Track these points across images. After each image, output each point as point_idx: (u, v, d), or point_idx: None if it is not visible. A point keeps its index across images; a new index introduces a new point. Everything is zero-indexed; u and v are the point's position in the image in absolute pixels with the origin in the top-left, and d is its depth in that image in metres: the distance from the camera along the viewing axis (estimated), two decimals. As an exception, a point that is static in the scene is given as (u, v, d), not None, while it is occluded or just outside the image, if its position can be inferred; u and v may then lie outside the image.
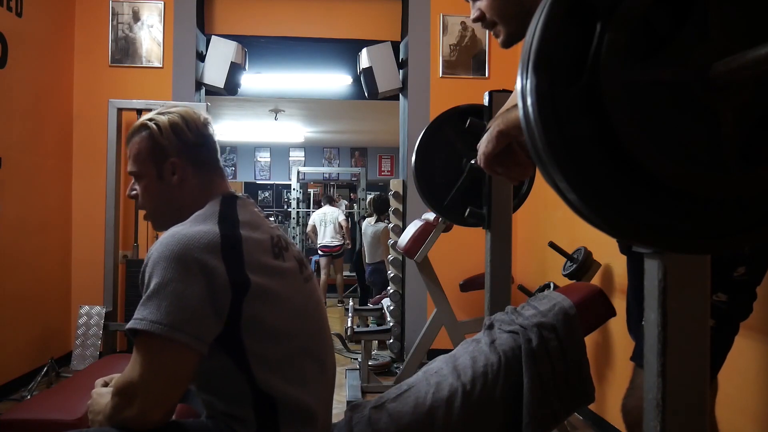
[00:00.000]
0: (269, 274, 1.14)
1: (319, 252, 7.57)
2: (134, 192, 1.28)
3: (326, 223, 7.46)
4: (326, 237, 7.43)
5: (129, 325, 1.04)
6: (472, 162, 2.00)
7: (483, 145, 1.28)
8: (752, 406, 1.83)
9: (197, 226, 1.12)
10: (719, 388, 1.43)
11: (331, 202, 8.09)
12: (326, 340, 1.28)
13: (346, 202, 10.40)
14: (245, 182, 10.68)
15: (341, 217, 7.55)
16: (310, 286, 1.26)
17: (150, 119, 1.24)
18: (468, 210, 1.88)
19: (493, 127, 1.25)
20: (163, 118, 1.23)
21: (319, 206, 8.39)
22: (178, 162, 1.22)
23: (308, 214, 9.69)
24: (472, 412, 1.16)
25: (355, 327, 3.90)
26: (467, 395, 1.16)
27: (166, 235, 1.11)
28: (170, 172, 1.22)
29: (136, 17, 4.15)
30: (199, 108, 4.04)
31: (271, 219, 6.50)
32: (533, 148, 0.70)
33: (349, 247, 7.71)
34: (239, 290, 1.09)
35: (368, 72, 4.32)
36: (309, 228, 7.75)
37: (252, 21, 4.48)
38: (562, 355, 1.17)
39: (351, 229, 8.08)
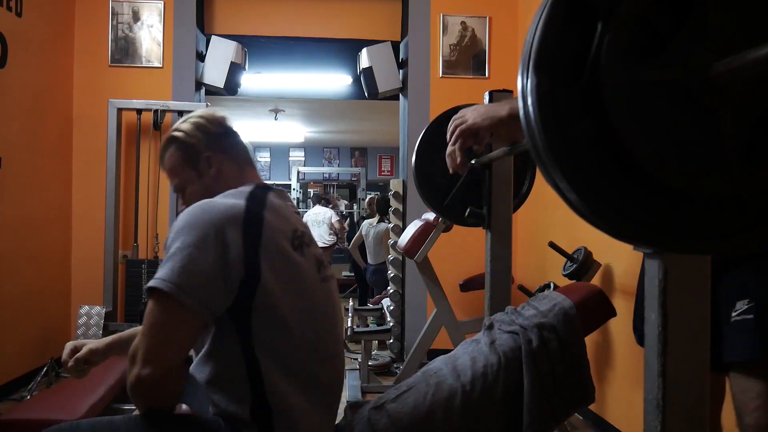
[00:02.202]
0: (284, 261, 1.15)
1: None
2: (182, 202, 1.32)
3: (319, 222, 7.49)
4: (320, 236, 7.46)
5: (148, 284, 1.07)
6: (472, 162, 2.00)
7: (478, 115, 1.25)
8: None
9: (225, 199, 1.16)
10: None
11: (320, 201, 8.11)
12: (337, 345, 1.28)
13: (346, 202, 10.40)
14: (245, 182, 10.66)
15: (334, 218, 7.59)
16: (327, 286, 1.27)
17: (173, 131, 1.32)
18: (468, 210, 1.88)
19: (506, 108, 1.22)
20: (184, 124, 1.32)
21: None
22: (211, 155, 1.29)
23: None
24: (472, 412, 1.15)
25: (355, 327, 3.91)
26: (467, 396, 1.15)
27: (194, 204, 1.14)
28: (207, 165, 1.28)
29: (136, 17, 4.15)
30: (199, 108, 4.06)
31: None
32: (533, 147, 0.70)
33: (344, 246, 7.73)
34: (251, 269, 1.10)
35: (368, 72, 4.32)
36: None
37: (252, 21, 4.49)
38: (563, 356, 1.17)
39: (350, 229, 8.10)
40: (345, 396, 3.47)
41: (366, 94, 4.47)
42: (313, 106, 7.70)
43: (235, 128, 1.35)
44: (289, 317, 1.14)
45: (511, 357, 1.18)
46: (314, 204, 8.13)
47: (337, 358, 1.28)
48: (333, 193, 11.19)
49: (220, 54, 4.21)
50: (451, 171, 1.29)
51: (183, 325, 1.07)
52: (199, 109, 1.38)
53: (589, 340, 3.15)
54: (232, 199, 1.16)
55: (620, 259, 2.77)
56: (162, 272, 1.07)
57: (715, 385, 1.47)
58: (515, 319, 1.25)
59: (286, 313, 1.13)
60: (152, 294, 1.07)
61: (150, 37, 4.15)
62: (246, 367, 1.12)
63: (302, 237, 1.23)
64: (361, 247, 6.43)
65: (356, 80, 4.83)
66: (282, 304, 1.13)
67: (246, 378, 1.12)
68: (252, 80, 5.05)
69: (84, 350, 1.34)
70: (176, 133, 1.30)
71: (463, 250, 4.12)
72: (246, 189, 1.21)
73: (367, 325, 5.19)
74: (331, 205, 9.25)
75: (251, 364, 1.12)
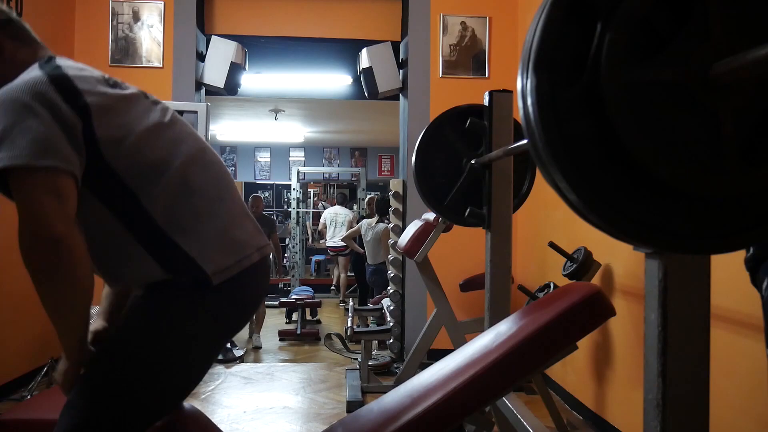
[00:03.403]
0: (109, 97, 1.17)
1: (330, 252, 7.66)
2: None
3: (337, 223, 7.48)
4: (336, 237, 7.45)
5: None
6: (472, 162, 2.00)
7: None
8: (752, 406, 1.83)
9: (19, 79, 1.13)
10: (718, 387, 1.39)
11: (345, 202, 8.10)
12: (208, 153, 1.30)
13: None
14: (245, 182, 10.68)
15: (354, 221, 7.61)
16: (162, 107, 1.29)
17: None
18: (468, 210, 1.88)
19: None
20: None
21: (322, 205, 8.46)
22: None
23: (308, 214, 9.71)
24: None
25: (355, 327, 3.91)
26: None
27: None
28: None
29: (136, 17, 4.15)
30: (199, 108, 4.06)
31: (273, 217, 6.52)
32: (533, 148, 0.70)
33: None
34: (84, 114, 1.11)
35: (368, 72, 4.32)
36: (320, 226, 7.85)
37: (252, 21, 4.49)
38: None
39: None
40: (345, 396, 3.48)
41: (366, 94, 4.47)
42: (313, 106, 7.69)
43: (14, 14, 1.30)
44: (141, 142, 1.17)
45: None
46: (338, 203, 8.08)
47: (213, 166, 1.29)
48: (333, 193, 11.19)
49: (220, 54, 4.21)
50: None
51: (58, 182, 1.06)
52: None
53: (589, 339, 3.16)
54: (26, 75, 1.13)
55: (620, 259, 2.77)
56: (6, 153, 1.04)
57: None
58: None
59: (132, 139, 1.16)
60: (11, 175, 1.05)
61: (150, 37, 4.15)
62: (128, 228, 1.15)
63: (112, 79, 1.25)
64: (360, 244, 6.45)
65: (356, 80, 4.83)
66: (124, 132, 1.15)
67: (136, 239, 1.16)
68: (252, 80, 5.05)
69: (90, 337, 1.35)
70: None
71: (463, 250, 4.12)
72: (34, 66, 1.18)
73: (367, 325, 5.19)
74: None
75: (131, 214, 1.15)
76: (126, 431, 1.16)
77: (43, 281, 1.09)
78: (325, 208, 8.87)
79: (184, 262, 1.16)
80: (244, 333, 5.55)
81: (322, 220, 7.80)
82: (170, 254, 1.16)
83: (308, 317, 6.12)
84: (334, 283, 7.82)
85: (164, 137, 1.22)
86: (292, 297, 6.01)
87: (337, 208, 7.76)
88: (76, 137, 1.09)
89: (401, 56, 4.46)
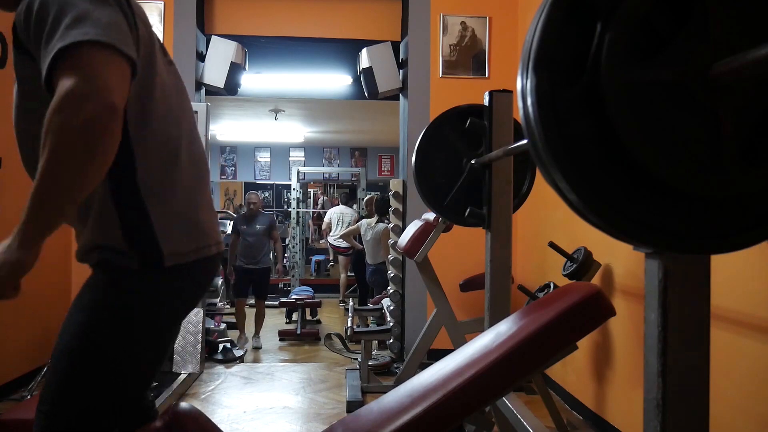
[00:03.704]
0: (149, 32, 1.17)
1: (333, 251, 7.72)
2: None
3: (343, 222, 7.51)
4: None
5: (61, 44, 0.95)
6: (472, 162, 2.00)
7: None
8: (752, 406, 1.83)
9: None
10: (718, 387, 1.40)
11: (349, 201, 8.13)
12: (192, 123, 1.31)
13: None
14: (245, 182, 10.68)
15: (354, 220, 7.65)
16: (174, 70, 1.31)
17: None
18: (468, 210, 1.88)
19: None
20: None
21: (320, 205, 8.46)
22: None
23: (308, 214, 9.70)
24: None
25: (355, 327, 3.91)
26: None
27: None
28: None
29: (136, 17, 4.14)
30: (199, 108, 4.06)
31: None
32: (533, 147, 0.70)
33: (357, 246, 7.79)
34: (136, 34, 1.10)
35: (368, 72, 4.32)
36: (325, 225, 7.87)
37: (252, 21, 4.49)
38: None
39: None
40: (345, 396, 3.48)
41: (366, 94, 4.47)
42: (313, 106, 7.69)
43: None
44: (158, 93, 1.17)
45: None
46: (342, 203, 8.10)
47: (198, 148, 1.30)
48: (333, 193, 11.19)
49: (220, 54, 4.21)
50: None
51: (126, 71, 1.02)
52: None
53: (589, 339, 3.16)
54: None
55: (620, 259, 2.77)
56: (82, 30, 0.97)
57: None
58: None
59: (155, 89, 1.16)
60: (86, 50, 0.96)
61: (150, 37, 4.15)
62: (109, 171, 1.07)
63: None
64: (359, 244, 6.46)
65: (356, 80, 4.83)
66: (152, 76, 1.16)
67: (114, 201, 1.13)
68: (252, 80, 5.05)
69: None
70: None
71: (463, 250, 4.12)
72: None
73: (367, 325, 5.19)
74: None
75: (118, 157, 1.05)
76: (92, 424, 1.17)
77: (74, 143, 0.95)
78: (325, 206, 8.85)
79: (145, 232, 1.14)
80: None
81: (327, 219, 7.81)
82: (135, 217, 1.13)
83: (308, 317, 6.12)
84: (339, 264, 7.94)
85: (175, 102, 1.23)
86: (292, 297, 6.01)
87: (343, 208, 7.79)
88: (135, 42, 1.09)
89: (401, 56, 4.46)
